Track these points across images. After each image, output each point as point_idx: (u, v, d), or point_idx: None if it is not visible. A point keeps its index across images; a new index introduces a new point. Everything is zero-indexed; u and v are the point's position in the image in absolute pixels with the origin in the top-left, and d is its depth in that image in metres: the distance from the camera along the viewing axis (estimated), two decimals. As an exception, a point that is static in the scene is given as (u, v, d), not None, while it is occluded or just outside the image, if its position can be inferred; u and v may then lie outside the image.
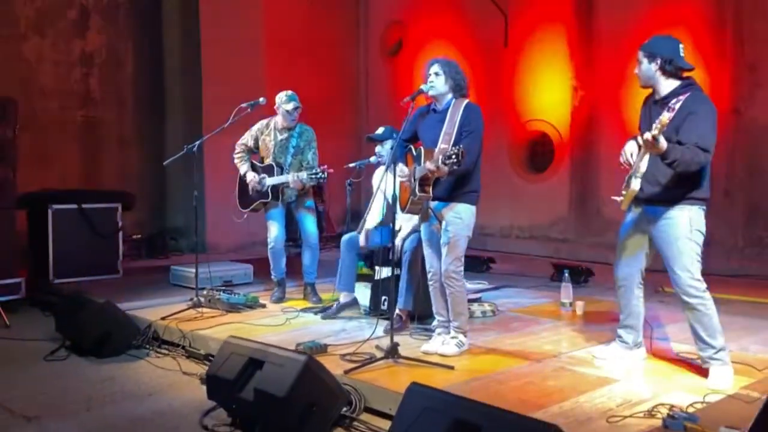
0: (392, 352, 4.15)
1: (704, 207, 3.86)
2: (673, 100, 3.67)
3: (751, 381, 3.80)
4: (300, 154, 5.86)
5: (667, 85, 3.87)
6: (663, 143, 3.51)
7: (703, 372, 3.87)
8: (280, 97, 5.87)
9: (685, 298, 3.83)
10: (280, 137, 5.90)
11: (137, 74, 9.26)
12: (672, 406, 3.32)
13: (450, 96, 4.33)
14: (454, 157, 3.88)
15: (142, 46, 9.28)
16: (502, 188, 9.31)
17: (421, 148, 4.31)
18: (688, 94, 3.74)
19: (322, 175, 5.52)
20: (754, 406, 3.28)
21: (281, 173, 5.76)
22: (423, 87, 4.34)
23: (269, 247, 6.00)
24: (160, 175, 9.32)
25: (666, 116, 3.44)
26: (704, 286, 3.83)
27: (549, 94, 9.34)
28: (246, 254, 8.34)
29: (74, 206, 6.88)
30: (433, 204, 4.36)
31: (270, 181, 5.78)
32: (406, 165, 4.41)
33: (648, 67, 3.85)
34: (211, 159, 8.37)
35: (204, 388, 4.23)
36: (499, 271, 7.86)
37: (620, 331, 4.25)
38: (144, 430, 3.70)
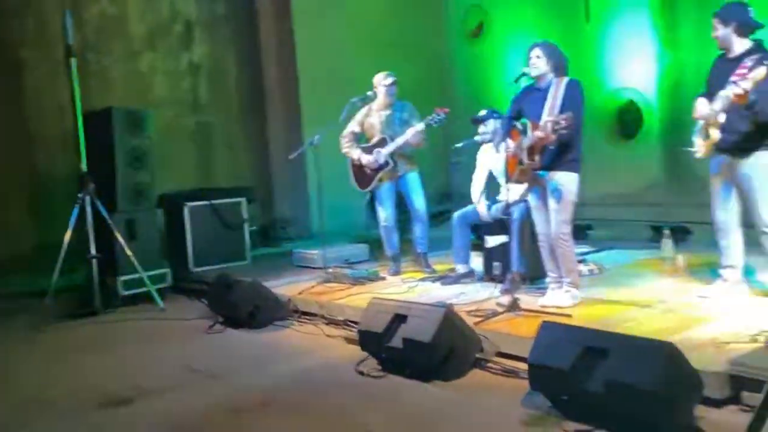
0: (513, 306, 4.69)
1: None
2: (746, 59, 4.17)
3: None
4: (406, 124, 6.35)
5: (740, 45, 4.36)
6: (752, 95, 3.96)
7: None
8: (378, 76, 6.43)
9: (766, 229, 4.31)
10: (384, 114, 6.43)
11: (240, 80, 10.01)
12: (773, 332, 3.73)
13: (551, 75, 4.80)
14: (563, 122, 4.37)
15: (242, 54, 10.02)
16: (594, 158, 9.51)
17: (527, 122, 4.80)
18: (760, 54, 4.19)
19: (439, 117, 6.08)
20: None
21: (393, 142, 6.26)
22: (525, 69, 4.83)
23: (382, 224, 6.55)
24: (266, 172, 10.09)
25: (761, 71, 3.85)
26: None
27: (634, 62, 9.59)
28: (348, 238, 8.86)
29: (206, 203, 7.67)
30: (540, 173, 4.85)
31: (386, 150, 6.27)
32: (512, 140, 4.91)
33: (725, 31, 4.32)
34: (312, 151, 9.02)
35: (349, 346, 4.93)
36: (598, 237, 8.23)
37: (721, 271, 4.69)
38: (309, 380, 4.36)
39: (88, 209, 6.47)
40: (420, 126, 6.17)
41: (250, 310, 5.61)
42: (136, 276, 6.65)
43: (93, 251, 6.53)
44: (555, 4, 10.23)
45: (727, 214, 4.54)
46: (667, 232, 6.18)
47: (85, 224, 6.49)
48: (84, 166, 6.57)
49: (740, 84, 3.95)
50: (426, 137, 6.32)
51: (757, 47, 4.27)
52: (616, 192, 9.90)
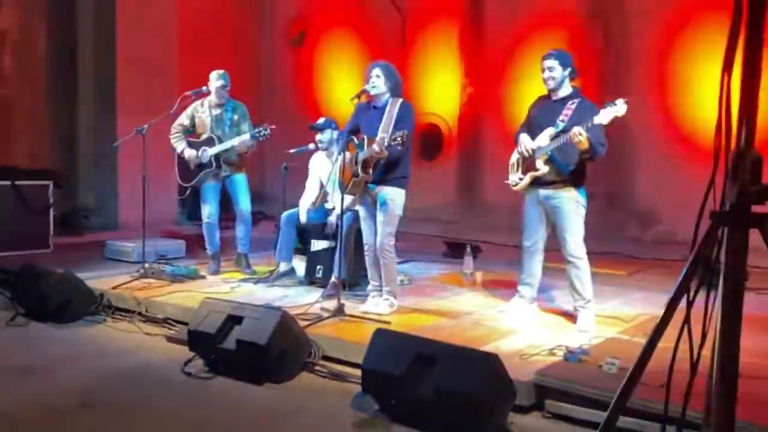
0: (339, 311, 4.93)
1: (584, 187, 4.91)
2: (569, 102, 4.77)
3: (622, 329, 4.88)
4: (236, 126, 6.40)
5: (566, 89, 4.90)
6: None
7: (584, 324, 4.92)
8: (212, 74, 6.40)
9: (571, 258, 4.86)
10: (215, 113, 6.43)
11: (50, 54, 9.35)
12: (567, 346, 4.28)
13: (388, 95, 5.12)
14: (399, 138, 4.70)
15: (55, 26, 9.37)
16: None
17: (364, 137, 5.08)
18: (580, 99, 4.82)
19: (266, 132, 6.17)
20: (626, 344, 4.38)
21: (221, 144, 6.28)
22: (366, 87, 5.10)
23: (204, 222, 6.50)
24: (71, 155, 9.50)
25: (622, 109, 4.42)
26: (585, 249, 4.89)
27: (441, 90, 10.31)
28: (155, 231, 8.62)
29: (8, 183, 7.09)
30: (371, 186, 5.14)
31: (212, 150, 6.27)
32: (348, 152, 5.16)
33: (561, 73, 4.81)
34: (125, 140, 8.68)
35: (170, 345, 4.90)
36: (398, 248, 8.69)
37: (520, 288, 5.22)
38: (133, 380, 4.26)
39: None
40: (245, 137, 6.25)
41: (60, 303, 5.33)
42: None
43: None
44: (375, 24, 10.73)
45: (534, 238, 5.07)
46: (468, 249, 6.75)
47: None
48: None
49: (592, 121, 4.46)
50: (252, 146, 6.39)
51: (577, 93, 4.87)
52: (413, 207, 10.54)
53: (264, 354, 4.06)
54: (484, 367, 3.38)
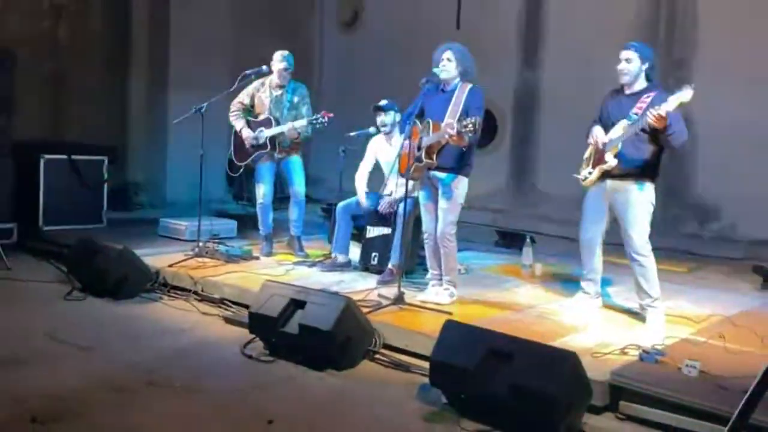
0: (398, 299, 4.81)
1: (654, 183, 4.71)
2: (644, 96, 4.54)
3: (693, 330, 4.67)
4: (295, 109, 6.31)
5: (641, 84, 4.68)
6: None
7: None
8: (276, 55, 6.31)
9: (636, 256, 4.67)
10: (275, 93, 6.35)
11: (104, 28, 9.34)
12: (640, 346, 4.11)
13: (458, 79, 4.94)
14: (470, 125, 4.50)
15: (110, 1, 9.35)
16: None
17: (429, 121, 4.92)
18: (657, 92, 4.58)
19: (323, 120, 6.04)
20: (703, 346, 4.19)
21: (278, 126, 6.21)
22: (435, 70, 4.91)
23: (258, 202, 6.47)
24: (122, 130, 9.49)
25: (688, 93, 4.19)
26: (651, 246, 4.71)
27: (495, 76, 10.07)
28: (204, 210, 8.51)
29: (65, 157, 7.11)
30: (433, 173, 4.99)
31: (268, 132, 6.20)
32: (413, 138, 5.00)
33: (638, 66, 4.60)
34: (177, 117, 8.63)
35: (227, 326, 4.84)
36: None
37: (583, 284, 5.06)
38: (193, 358, 4.21)
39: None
40: (302, 122, 6.14)
41: (117, 279, 5.29)
42: (-23, 229, 6.06)
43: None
44: (429, 5, 10.51)
45: (595, 232, 4.90)
46: (528, 240, 6.57)
47: None
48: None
49: (662, 106, 4.25)
50: (305, 132, 6.26)
51: (654, 86, 4.64)
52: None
53: (327, 340, 3.96)
54: (563, 366, 3.24)
